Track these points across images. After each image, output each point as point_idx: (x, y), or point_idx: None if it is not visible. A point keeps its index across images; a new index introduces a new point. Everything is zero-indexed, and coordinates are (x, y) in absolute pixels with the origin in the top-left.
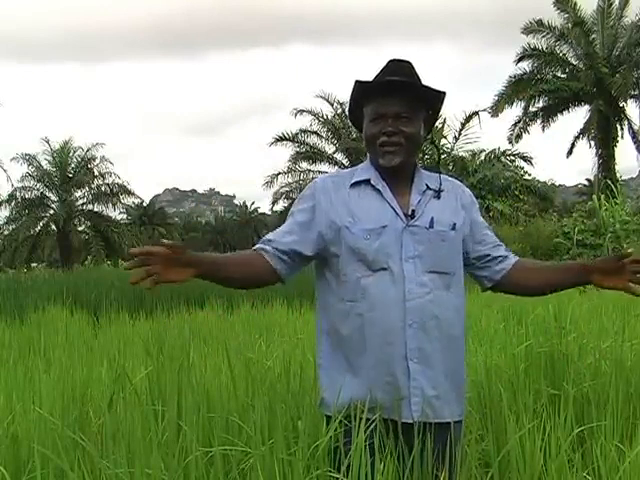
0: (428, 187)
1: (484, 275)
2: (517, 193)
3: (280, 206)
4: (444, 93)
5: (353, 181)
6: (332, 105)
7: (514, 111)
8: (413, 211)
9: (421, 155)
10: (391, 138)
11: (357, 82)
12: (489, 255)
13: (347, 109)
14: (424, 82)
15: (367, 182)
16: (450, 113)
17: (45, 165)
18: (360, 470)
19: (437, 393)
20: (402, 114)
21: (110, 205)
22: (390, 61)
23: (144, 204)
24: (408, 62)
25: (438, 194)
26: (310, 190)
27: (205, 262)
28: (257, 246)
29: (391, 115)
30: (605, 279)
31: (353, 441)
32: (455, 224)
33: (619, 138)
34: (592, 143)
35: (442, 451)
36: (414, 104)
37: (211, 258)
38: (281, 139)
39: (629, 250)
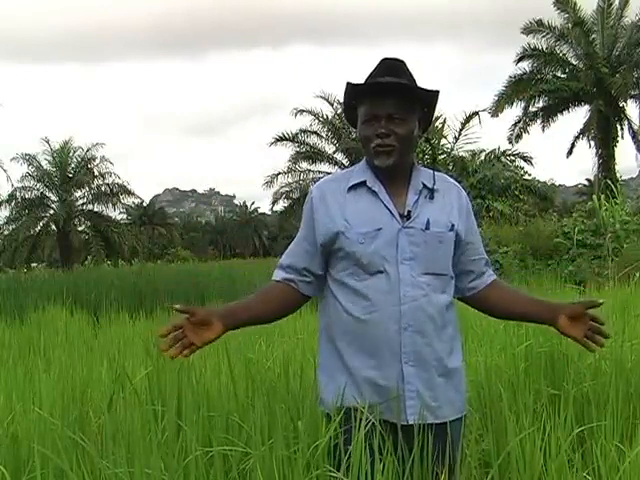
0: (425, 186)
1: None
2: (517, 193)
3: (280, 206)
4: (437, 92)
5: (350, 185)
6: (332, 105)
7: (514, 111)
8: (409, 212)
9: (421, 155)
10: (385, 140)
11: (348, 84)
12: (462, 269)
13: (342, 109)
14: (420, 81)
15: (363, 184)
16: (450, 113)
17: (45, 165)
18: (360, 472)
19: (434, 394)
20: (395, 115)
21: (110, 205)
22: (382, 60)
23: (144, 204)
24: (401, 61)
25: (432, 193)
26: (308, 204)
27: (227, 314)
28: (282, 276)
29: (384, 116)
30: (570, 327)
31: (353, 439)
32: (453, 225)
33: (619, 138)
34: (592, 143)
35: (442, 450)
36: (407, 104)
37: (231, 307)
38: (281, 139)
39: (600, 301)
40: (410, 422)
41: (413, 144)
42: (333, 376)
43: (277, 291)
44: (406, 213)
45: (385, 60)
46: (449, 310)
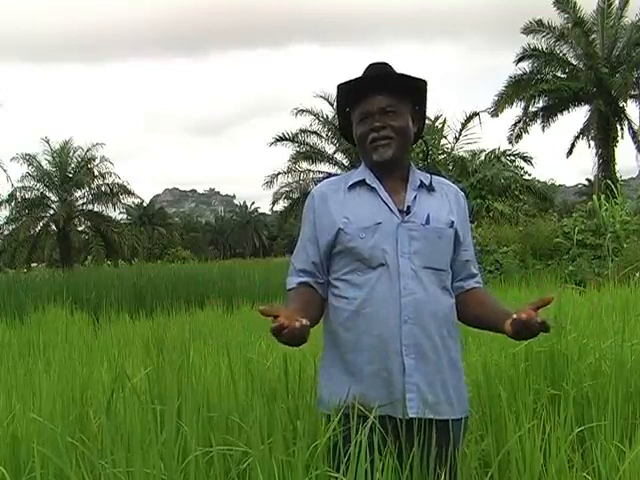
0: (422, 183)
1: None
2: (517, 193)
3: (280, 206)
4: (425, 81)
5: (350, 183)
6: (332, 105)
7: (514, 111)
8: (408, 207)
9: (424, 157)
10: (380, 133)
11: (339, 87)
12: (453, 269)
13: (337, 122)
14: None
15: (363, 182)
16: (450, 113)
17: (45, 165)
18: (359, 468)
19: (434, 389)
20: (387, 108)
21: (110, 205)
22: (368, 65)
23: (144, 204)
24: (386, 63)
25: (429, 189)
26: (309, 204)
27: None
28: (297, 281)
29: (377, 111)
30: (513, 330)
31: (352, 437)
32: (453, 222)
33: (619, 138)
34: (592, 143)
35: (442, 449)
36: (398, 97)
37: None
38: (281, 139)
39: (551, 296)
40: (411, 415)
41: (409, 139)
42: (334, 374)
43: (306, 295)
44: (405, 208)
45: (371, 65)
46: (448, 306)
